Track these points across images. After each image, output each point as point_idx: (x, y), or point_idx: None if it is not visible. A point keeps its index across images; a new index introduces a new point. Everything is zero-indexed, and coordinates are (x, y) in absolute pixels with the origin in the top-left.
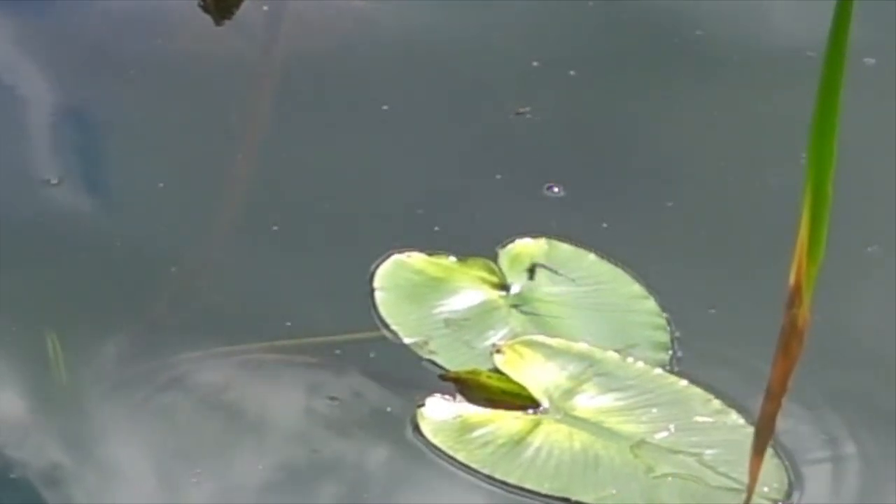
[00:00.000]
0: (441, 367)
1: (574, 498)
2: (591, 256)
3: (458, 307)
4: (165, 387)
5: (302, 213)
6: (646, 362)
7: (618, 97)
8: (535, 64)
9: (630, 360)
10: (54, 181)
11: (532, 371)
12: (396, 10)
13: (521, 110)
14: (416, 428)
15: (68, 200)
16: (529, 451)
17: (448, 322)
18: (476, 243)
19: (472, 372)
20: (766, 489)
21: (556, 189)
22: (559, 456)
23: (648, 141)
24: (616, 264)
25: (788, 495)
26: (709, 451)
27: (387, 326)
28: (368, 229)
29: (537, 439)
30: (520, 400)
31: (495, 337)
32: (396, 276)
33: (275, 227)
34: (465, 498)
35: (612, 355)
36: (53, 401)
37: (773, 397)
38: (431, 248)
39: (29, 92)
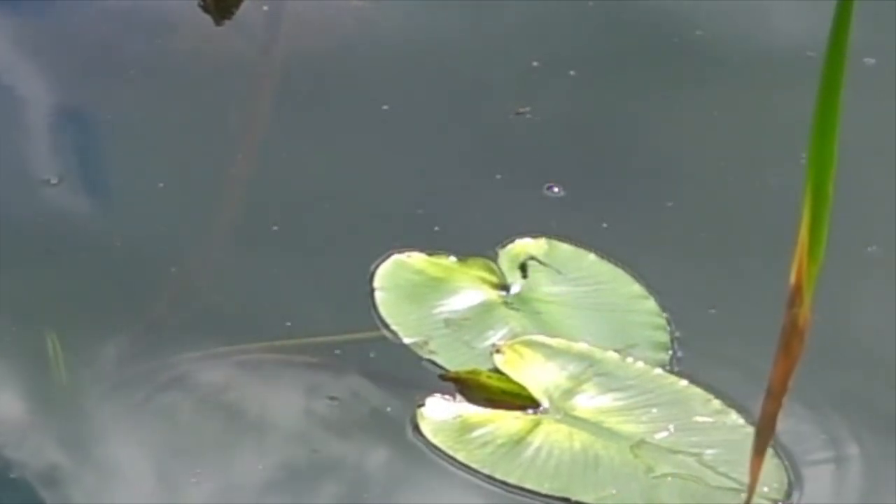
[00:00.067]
0: (441, 367)
1: (574, 498)
2: (591, 256)
3: (458, 307)
4: (165, 387)
5: (302, 213)
6: (646, 362)
7: (618, 97)
8: (535, 64)
9: (630, 360)
10: (54, 181)
11: (532, 371)
12: (396, 10)
13: (521, 110)
14: (416, 428)
15: (68, 200)
16: (529, 451)
17: (448, 322)
18: (476, 243)
19: (472, 372)
20: (766, 489)
21: (556, 189)
22: (559, 456)
23: (648, 141)
24: (616, 264)
25: (788, 495)
26: (709, 451)
27: (387, 326)
28: (368, 229)
29: (537, 439)
30: (520, 400)
31: (495, 337)
32: (396, 276)
33: (275, 228)
34: (465, 498)
35: (612, 355)
36: (53, 401)
37: (774, 397)
38: (431, 248)
39: (29, 92)
